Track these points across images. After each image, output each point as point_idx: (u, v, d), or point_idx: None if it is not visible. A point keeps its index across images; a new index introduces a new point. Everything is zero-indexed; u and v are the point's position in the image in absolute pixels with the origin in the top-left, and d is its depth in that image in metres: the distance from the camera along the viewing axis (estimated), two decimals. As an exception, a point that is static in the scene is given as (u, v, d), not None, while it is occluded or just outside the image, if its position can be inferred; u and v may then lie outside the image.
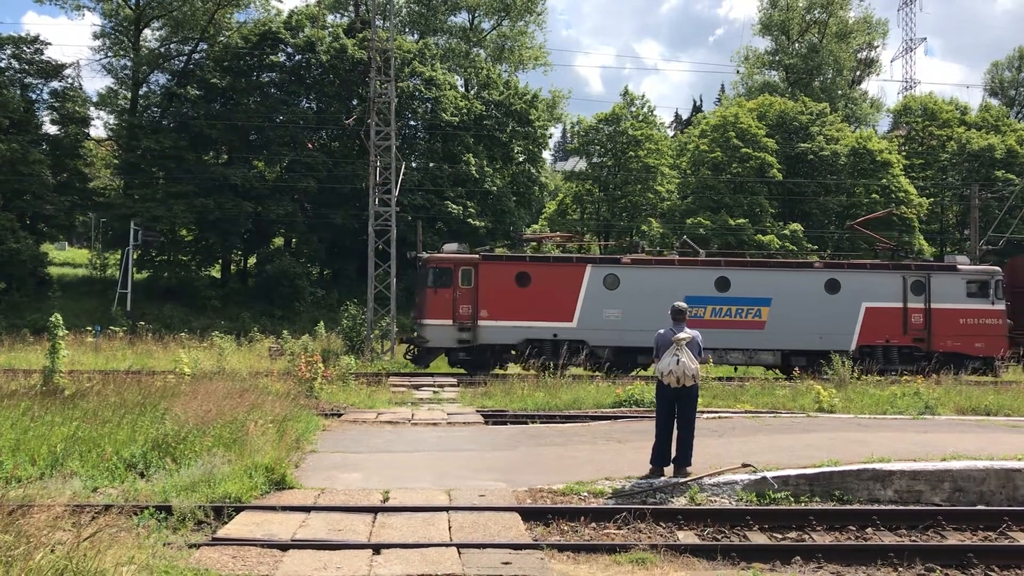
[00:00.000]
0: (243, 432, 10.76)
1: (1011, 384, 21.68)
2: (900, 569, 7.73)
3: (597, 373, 24.68)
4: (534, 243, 28.88)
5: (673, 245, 47.11)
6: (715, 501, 9.54)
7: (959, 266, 26.75)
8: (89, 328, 29.63)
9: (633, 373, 24.90)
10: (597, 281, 25.43)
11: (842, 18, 66.93)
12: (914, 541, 8.56)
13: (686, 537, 8.40)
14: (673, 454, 10.20)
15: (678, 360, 9.96)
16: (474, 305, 25.09)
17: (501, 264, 25.72)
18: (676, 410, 10.18)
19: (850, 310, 25.72)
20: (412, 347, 26.26)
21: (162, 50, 49.99)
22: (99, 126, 71.04)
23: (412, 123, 49.75)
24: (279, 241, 48.97)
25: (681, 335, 10.07)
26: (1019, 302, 28.29)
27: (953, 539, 8.69)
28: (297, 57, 47.82)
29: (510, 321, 25.03)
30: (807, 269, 26.56)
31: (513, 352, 25.39)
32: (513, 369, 25.74)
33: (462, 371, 25.66)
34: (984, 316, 26.05)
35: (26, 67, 45.16)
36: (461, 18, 61.03)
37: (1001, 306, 26.27)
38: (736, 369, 26.05)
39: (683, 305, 10.54)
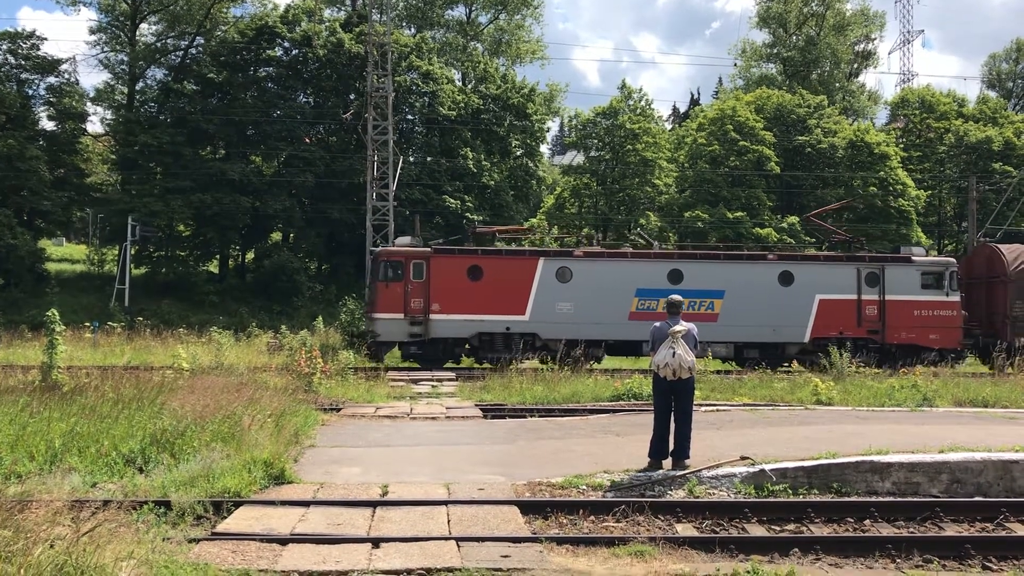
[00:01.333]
0: (242, 427, 10.76)
1: (1008, 376, 21.69)
2: (898, 561, 7.75)
3: (554, 366, 24.78)
4: (488, 236, 28.65)
5: (671, 239, 47.29)
6: (713, 494, 9.56)
7: (914, 258, 26.67)
8: (87, 324, 29.61)
9: (588, 366, 24.88)
10: (550, 274, 25.35)
11: (839, 10, 66.86)
12: (912, 533, 8.58)
13: (684, 530, 8.41)
14: (672, 447, 10.21)
15: (674, 353, 9.96)
16: (426, 299, 24.99)
17: (453, 257, 25.60)
18: (673, 403, 10.18)
19: (803, 302, 25.68)
20: (364, 341, 26.12)
21: (158, 45, 49.91)
22: (96, 121, 70.86)
23: (409, 117, 49.70)
24: (277, 236, 48.96)
25: (677, 328, 10.06)
26: (975, 293, 28.20)
27: (951, 530, 8.71)
28: (294, 52, 47.73)
29: (462, 315, 24.98)
30: (760, 261, 26.47)
31: (467, 346, 25.37)
32: (466, 363, 25.73)
33: (462, 366, 25.66)
34: (939, 308, 26.02)
35: (22, 63, 45.03)
36: (458, 12, 61.01)
37: (956, 297, 26.22)
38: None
39: (678, 298, 10.53)
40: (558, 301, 25.26)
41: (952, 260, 27.28)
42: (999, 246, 28.44)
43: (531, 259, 25.72)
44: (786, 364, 23.98)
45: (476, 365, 25.40)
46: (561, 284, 25.33)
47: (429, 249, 25.76)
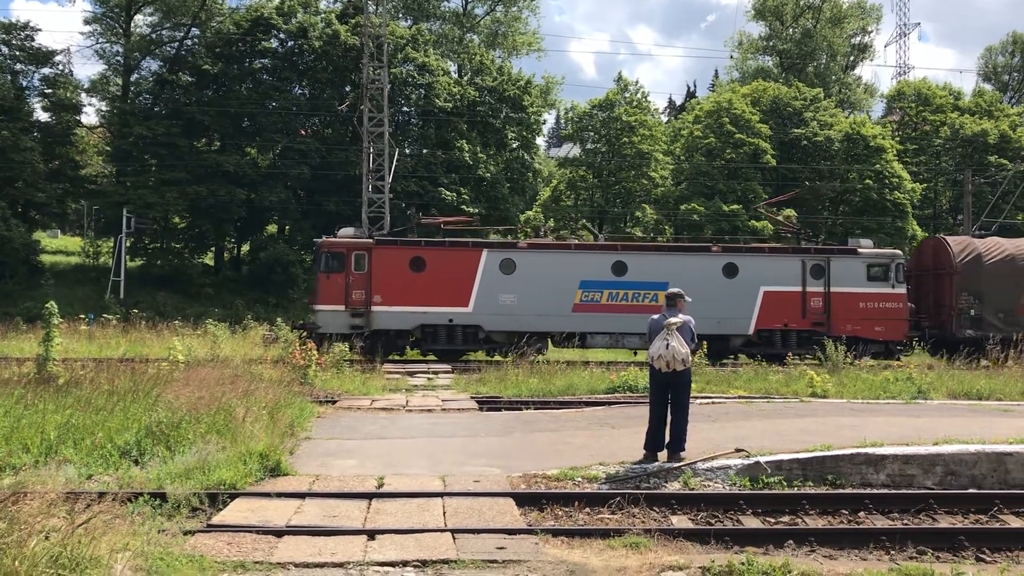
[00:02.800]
0: (237, 419, 10.75)
1: (1003, 368, 21.74)
2: (892, 552, 7.77)
3: (498, 358, 24.79)
4: (433, 227, 28.39)
5: (667, 231, 47.31)
6: (709, 486, 9.58)
7: (860, 250, 26.60)
8: (82, 316, 29.58)
9: (531, 359, 24.85)
10: (493, 266, 25.22)
11: (836, 3, 66.78)
12: (906, 524, 8.61)
13: (680, 521, 8.42)
14: (667, 439, 10.22)
15: (667, 344, 9.98)
16: (367, 290, 24.79)
17: (395, 249, 25.43)
18: (669, 395, 10.20)
19: (748, 294, 25.58)
20: (304, 333, 25.86)
21: (153, 36, 49.73)
22: (91, 113, 70.65)
23: (405, 109, 49.63)
24: (272, 228, 48.88)
25: (672, 320, 10.09)
26: (924, 286, 28.17)
27: (945, 522, 8.73)
28: (289, 43, 47.62)
29: (404, 307, 24.79)
30: (704, 253, 26.39)
31: (412, 338, 25.29)
32: (411, 355, 25.65)
33: (405, 357, 25.63)
34: (884, 300, 25.93)
35: (16, 53, 44.91)
36: (454, 3, 60.80)
37: (902, 290, 26.14)
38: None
39: (676, 290, 10.55)
40: (502, 293, 25.10)
41: (898, 252, 27.23)
42: (947, 238, 28.37)
43: (474, 251, 25.53)
44: (731, 356, 23.94)
45: (421, 357, 25.33)
46: (505, 276, 25.18)
47: (371, 240, 25.52)
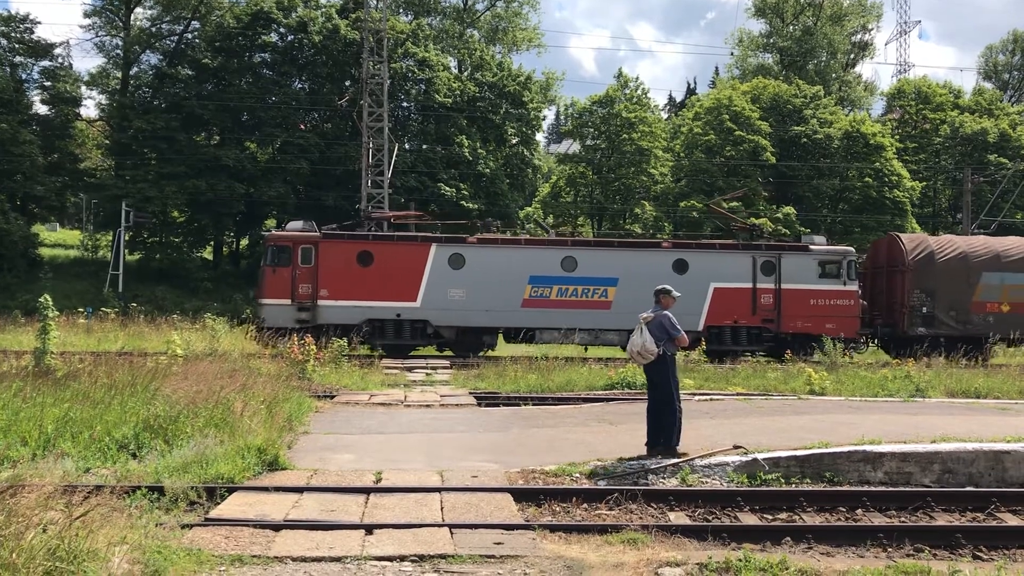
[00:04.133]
0: (235, 413, 10.75)
1: (1001, 367, 21.78)
2: (889, 550, 7.78)
3: (448, 353, 24.72)
4: (383, 221, 28.00)
5: (667, 228, 47.30)
6: (706, 482, 9.58)
7: (811, 247, 26.45)
8: (80, 309, 29.56)
9: (481, 353, 24.81)
10: (442, 260, 25.04)
11: (836, 0, 66.73)
12: (903, 522, 8.62)
13: (677, 518, 8.43)
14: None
15: (635, 339, 10.13)
16: (314, 284, 24.59)
17: (342, 243, 25.21)
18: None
19: (698, 290, 25.37)
20: (251, 327, 25.58)
21: (153, 30, 49.63)
22: (90, 106, 70.58)
23: (405, 104, 49.58)
24: (271, 223, 48.83)
25: (643, 315, 10.20)
26: (878, 283, 28.06)
27: (942, 520, 8.74)
28: (289, 37, 47.54)
29: (351, 301, 24.59)
30: (655, 249, 26.31)
31: (359, 333, 25.06)
32: (362, 351, 25.46)
33: (453, 354, 25.61)
34: (836, 297, 25.77)
35: (16, 46, 44.85)
36: (455, -1, 60.69)
37: (854, 287, 26.00)
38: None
39: (660, 287, 10.53)
40: (450, 288, 24.92)
41: (850, 249, 27.05)
42: (900, 235, 28.16)
43: (423, 245, 25.33)
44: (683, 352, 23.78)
45: (372, 352, 25.26)
46: (454, 271, 25.00)
47: (318, 234, 25.28)
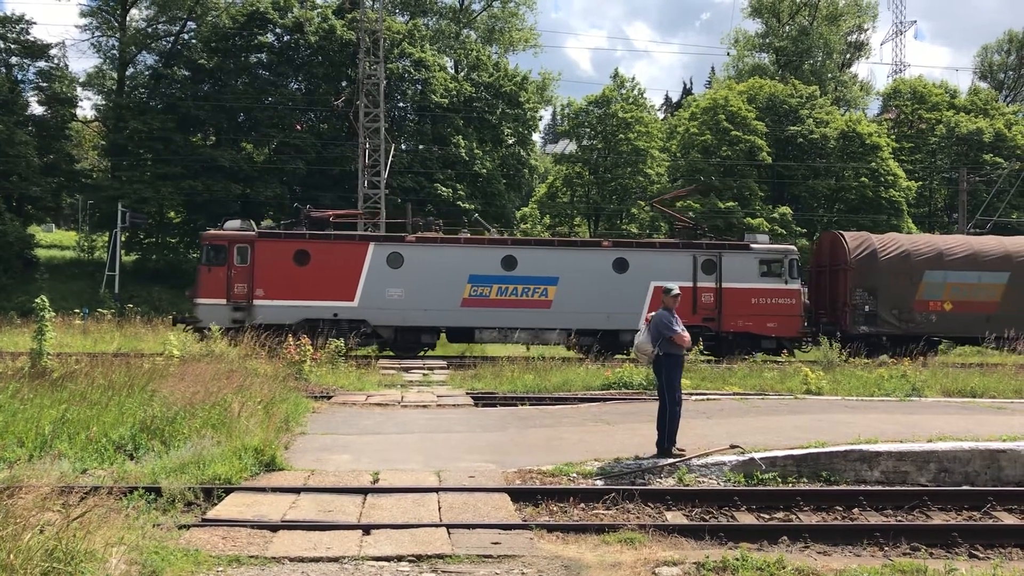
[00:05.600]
0: (232, 414, 10.75)
1: (996, 366, 21.81)
2: (886, 548, 7.80)
3: (388, 353, 24.57)
4: (322, 220, 27.51)
5: (662, 228, 47.34)
6: (703, 482, 9.59)
7: (752, 245, 26.30)
8: (77, 310, 29.47)
9: (421, 353, 24.72)
10: (380, 259, 24.80)
11: (832, 0, 66.86)
12: (900, 521, 8.64)
13: (674, 517, 8.44)
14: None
15: (635, 338, 10.36)
16: (249, 284, 24.30)
17: (279, 242, 24.95)
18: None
19: (638, 289, 25.22)
20: (187, 328, 25.09)
21: (149, 30, 49.57)
22: (86, 107, 70.56)
23: (401, 105, 49.54)
24: (268, 223, 48.75)
25: (649, 314, 10.34)
26: (822, 281, 27.96)
27: (938, 519, 8.77)
28: (286, 38, 47.49)
29: (288, 300, 24.31)
30: (595, 248, 26.14)
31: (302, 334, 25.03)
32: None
33: (452, 354, 25.59)
34: (777, 295, 25.62)
35: (11, 47, 44.74)
36: (451, -1, 60.73)
37: (796, 285, 25.87)
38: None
39: (667, 286, 10.56)
40: (389, 287, 24.68)
41: (792, 248, 26.87)
42: (843, 233, 27.94)
43: (361, 244, 25.13)
44: (624, 352, 23.77)
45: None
46: (392, 270, 24.76)
47: (254, 233, 25.07)
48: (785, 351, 25.42)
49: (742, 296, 25.47)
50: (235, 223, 25.63)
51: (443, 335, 25.81)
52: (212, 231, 25.69)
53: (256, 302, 24.27)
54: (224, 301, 24.25)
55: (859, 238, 27.33)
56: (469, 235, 26.64)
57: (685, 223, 30.94)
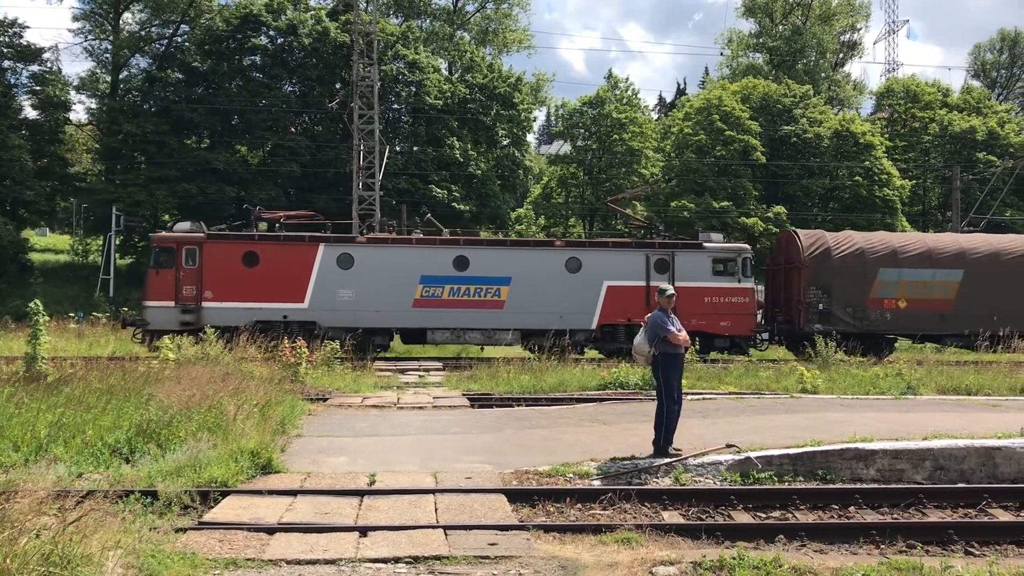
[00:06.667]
0: (228, 417, 10.73)
1: (991, 364, 21.86)
2: (882, 546, 7.82)
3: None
4: (272, 221, 27.45)
5: (658, 228, 47.36)
6: (700, 481, 9.60)
7: (705, 244, 26.21)
8: (71, 314, 29.43)
9: (373, 355, 24.61)
10: (330, 260, 24.64)
11: (826, 0, 67.02)
12: (896, 519, 8.66)
13: (671, 517, 8.45)
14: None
15: (634, 340, 10.47)
16: (198, 286, 24.11)
17: (227, 243, 24.77)
18: None
19: (591, 289, 25.23)
20: (137, 330, 25.03)
21: (143, 33, 49.49)
22: (80, 110, 70.32)
23: (396, 106, 49.49)
24: (263, 226, 48.69)
25: (644, 316, 10.38)
26: (778, 279, 27.93)
27: (934, 516, 8.79)
28: (279, 40, 47.43)
29: (237, 303, 24.10)
30: (548, 248, 26.07)
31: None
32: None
33: (448, 355, 25.57)
34: (730, 294, 25.52)
35: (4, 50, 44.59)
36: (445, 0, 60.75)
37: (749, 284, 25.84)
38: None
39: (661, 287, 10.59)
40: (339, 288, 24.53)
41: (745, 247, 26.80)
42: (798, 232, 27.93)
43: (311, 245, 24.90)
44: (577, 351, 23.73)
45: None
46: (343, 271, 24.61)
47: (202, 234, 24.86)
48: (739, 349, 25.48)
49: (695, 295, 25.25)
50: (185, 225, 25.41)
51: (397, 337, 25.69)
52: (161, 233, 25.47)
53: (205, 304, 24.05)
54: (173, 303, 24.00)
55: (813, 236, 27.25)
56: (421, 235, 26.48)
57: (639, 223, 30.94)
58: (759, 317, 26.68)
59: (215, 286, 24.12)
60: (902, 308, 26.32)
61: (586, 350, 25.03)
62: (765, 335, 26.47)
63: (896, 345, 27.08)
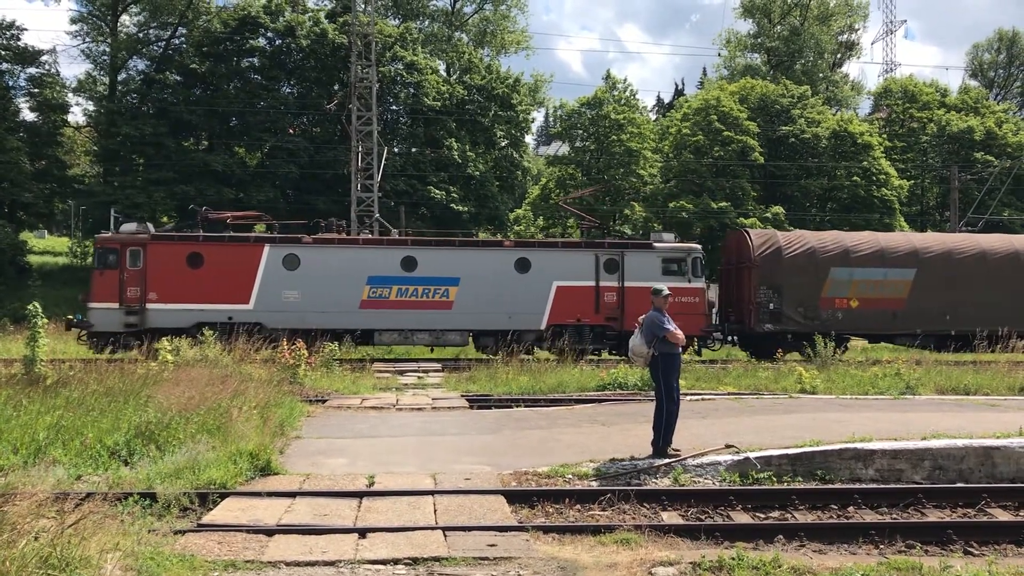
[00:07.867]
0: (227, 418, 10.73)
1: (989, 364, 21.86)
2: (881, 546, 7.82)
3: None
4: (219, 221, 26.93)
5: (657, 228, 47.35)
6: (699, 482, 9.60)
7: (655, 244, 26.12)
8: (70, 316, 29.32)
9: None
10: (276, 261, 24.43)
11: (823, 0, 67.07)
12: (895, 519, 8.66)
13: (670, 518, 8.45)
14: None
15: (630, 340, 10.46)
16: (142, 287, 23.86)
17: (172, 244, 24.57)
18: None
19: (540, 289, 25.08)
20: (82, 332, 24.77)
21: (140, 35, 49.50)
22: (78, 113, 70.34)
23: (394, 108, 49.50)
24: (261, 228, 48.69)
25: (642, 316, 10.32)
26: (730, 279, 27.82)
27: (933, 516, 8.79)
28: (277, 42, 47.42)
29: (181, 304, 23.86)
30: (496, 248, 26.02)
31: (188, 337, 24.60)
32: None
33: (447, 356, 25.54)
34: (680, 294, 24.65)
35: (2, 53, 44.56)
36: (443, 2, 60.76)
37: (700, 284, 25.68)
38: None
39: (656, 287, 10.63)
40: (285, 289, 24.34)
41: (696, 246, 26.61)
42: (748, 231, 27.75)
43: (256, 246, 24.72)
44: (526, 352, 23.65)
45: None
46: (288, 272, 24.41)
47: (147, 235, 24.65)
48: (692, 349, 25.27)
49: (645, 295, 25.12)
50: (131, 226, 25.19)
51: (347, 338, 25.27)
52: (104, 234, 25.24)
53: (149, 306, 23.81)
54: (117, 305, 23.76)
55: (764, 236, 27.10)
56: (369, 236, 26.27)
57: (592, 222, 30.90)
58: (713, 317, 26.53)
59: (159, 287, 23.87)
60: (854, 307, 26.11)
61: (536, 350, 24.89)
62: (718, 335, 26.39)
63: (848, 345, 26.86)
